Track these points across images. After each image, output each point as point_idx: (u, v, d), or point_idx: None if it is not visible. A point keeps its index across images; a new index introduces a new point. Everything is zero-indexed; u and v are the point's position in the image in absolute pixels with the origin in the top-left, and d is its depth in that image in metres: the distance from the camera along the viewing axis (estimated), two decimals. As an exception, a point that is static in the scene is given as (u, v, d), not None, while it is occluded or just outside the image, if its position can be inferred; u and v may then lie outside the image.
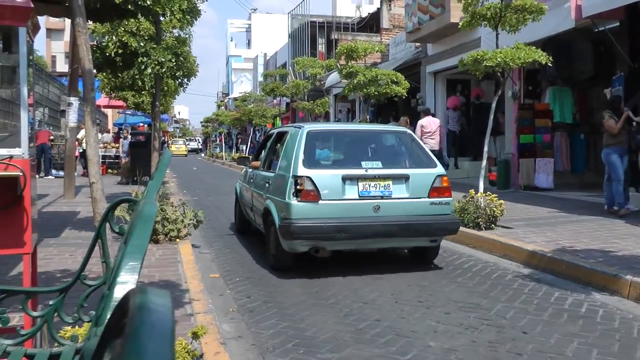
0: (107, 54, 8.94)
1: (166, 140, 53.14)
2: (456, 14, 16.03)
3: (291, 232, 6.67)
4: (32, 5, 3.79)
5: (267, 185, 7.76)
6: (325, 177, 6.93)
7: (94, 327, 1.71)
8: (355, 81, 13.61)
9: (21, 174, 3.64)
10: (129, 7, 8.35)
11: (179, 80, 9.55)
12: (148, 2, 8.39)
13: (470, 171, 18.01)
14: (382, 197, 6.98)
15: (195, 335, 3.90)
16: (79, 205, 12.35)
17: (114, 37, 9.28)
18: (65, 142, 15.60)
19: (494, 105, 9.85)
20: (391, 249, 7.99)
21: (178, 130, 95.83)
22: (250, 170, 9.34)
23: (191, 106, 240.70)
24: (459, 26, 13.21)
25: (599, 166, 15.32)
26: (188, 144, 68.74)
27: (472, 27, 13.01)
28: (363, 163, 7.27)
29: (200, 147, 75.83)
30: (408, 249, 7.97)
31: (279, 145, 8.39)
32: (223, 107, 64.01)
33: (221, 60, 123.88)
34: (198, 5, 9.01)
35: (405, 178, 7.13)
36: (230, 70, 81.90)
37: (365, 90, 13.58)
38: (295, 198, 6.74)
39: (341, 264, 7.29)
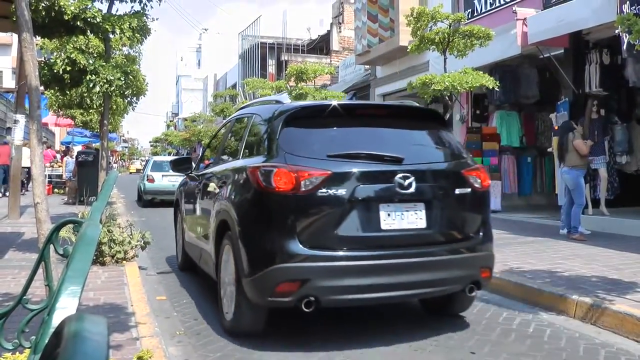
0: (55, 71, 8.73)
1: (116, 159, 52.98)
2: (405, 38, 16.31)
3: (145, 192, 20.08)
4: (-24, 20, 3.68)
5: (143, 178, 20.51)
6: (157, 175, 19.86)
7: (32, 355, 1.64)
8: (306, 102, 13.64)
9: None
10: (78, 23, 8.24)
11: (128, 99, 9.40)
12: (98, 20, 8.28)
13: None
14: (176, 181, 15.75)
15: (141, 360, 3.81)
16: (24, 226, 12.02)
17: (62, 54, 9.08)
18: (11, 161, 15.19)
19: (442, 127, 9.95)
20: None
21: (127, 150, 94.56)
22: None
23: (140, 125, 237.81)
24: (408, 50, 13.42)
25: (545, 189, 15.73)
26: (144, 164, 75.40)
27: (421, 51, 13.23)
28: (169, 170, 16.39)
29: None
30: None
31: None
32: (172, 127, 63.44)
33: (171, 80, 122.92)
34: (148, 23, 8.92)
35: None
36: (180, 90, 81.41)
37: (315, 111, 13.63)
38: (147, 181, 20.01)
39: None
